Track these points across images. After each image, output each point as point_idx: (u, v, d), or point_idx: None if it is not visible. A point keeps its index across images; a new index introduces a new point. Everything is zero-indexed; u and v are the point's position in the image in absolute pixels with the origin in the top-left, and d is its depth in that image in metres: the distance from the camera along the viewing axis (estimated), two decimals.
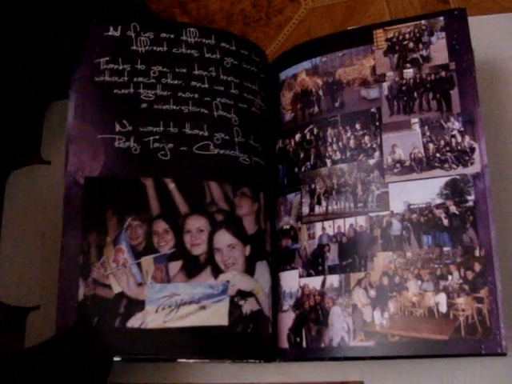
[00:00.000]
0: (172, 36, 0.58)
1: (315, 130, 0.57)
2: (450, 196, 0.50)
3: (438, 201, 0.50)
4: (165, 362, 0.56)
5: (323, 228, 0.54)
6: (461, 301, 0.47)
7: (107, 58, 0.57)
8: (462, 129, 0.51)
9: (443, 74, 0.53)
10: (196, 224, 0.54)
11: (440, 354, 0.48)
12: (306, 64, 0.59)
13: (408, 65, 0.55)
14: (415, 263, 0.49)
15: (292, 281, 0.55)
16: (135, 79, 0.57)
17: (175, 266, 0.53)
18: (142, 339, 0.51)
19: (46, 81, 0.63)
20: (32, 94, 0.63)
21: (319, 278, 0.53)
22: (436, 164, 0.51)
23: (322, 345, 0.51)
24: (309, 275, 0.54)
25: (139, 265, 0.53)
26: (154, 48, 0.58)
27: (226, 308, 0.52)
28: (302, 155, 0.57)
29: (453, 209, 0.49)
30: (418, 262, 0.49)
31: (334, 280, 0.52)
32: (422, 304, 0.48)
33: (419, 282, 0.49)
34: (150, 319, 0.51)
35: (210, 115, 0.57)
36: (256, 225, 0.56)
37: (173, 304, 0.52)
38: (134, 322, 0.51)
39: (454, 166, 0.50)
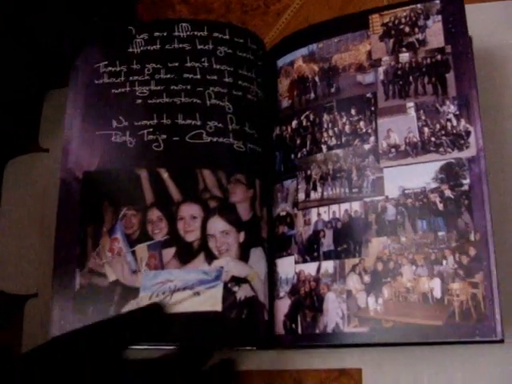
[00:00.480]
0: (165, 34, 0.60)
1: (311, 116, 0.56)
2: (445, 180, 0.49)
3: (433, 185, 0.49)
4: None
5: (318, 214, 0.54)
6: (455, 286, 0.47)
7: (106, 62, 0.60)
8: (458, 112, 0.50)
9: (439, 57, 0.52)
10: (189, 211, 0.54)
11: (434, 341, 0.47)
12: (303, 51, 0.59)
13: (404, 49, 0.54)
14: (409, 248, 0.49)
15: (288, 267, 0.54)
16: (131, 78, 0.59)
17: (169, 253, 0.53)
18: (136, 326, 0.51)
19: (44, 69, 0.64)
20: (30, 83, 0.64)
21: (314, 264, 0.53)
22: (431, 148, 0.50)
23: (317, 331, 0.51)
24: (304, 261, 0.53)
25: (134, 253, 0.54)
26: (149, 47, 0.60)
27: (219, 294, 0.52)
28: (298, 141, 0.57)
29: (448, 193, 0.49)
30: (413, 247, 0.49)
31: (328, 266, 0.52)
32: (417, 289, 0.48)
33: (414, 268, 0.48)
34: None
35: (202, 104, 0.58)
36: (251, 211, 0.56)
37: (166, 290, 0.52)
38: (128, 309, 0.52)
39: (450, 149, 0.50)
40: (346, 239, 0.52)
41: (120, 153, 0.57)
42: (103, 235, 0.55)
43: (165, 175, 0.56)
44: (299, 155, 0.56)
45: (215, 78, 0.58)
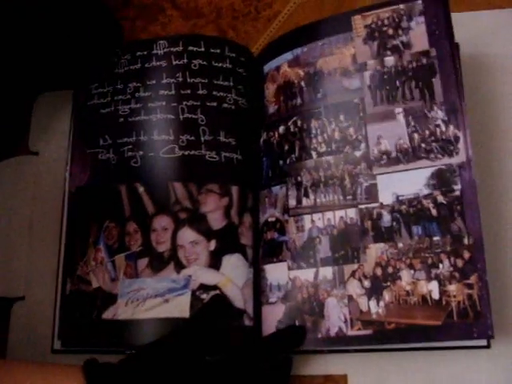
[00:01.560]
0: (145, 53, 0.61)
1: (299, 122, 0.57)
2: (437, 186, 0.51)
3: (426, 191, 0.51)
4: None
5: (312, 221, 0.55)
6: (452, 288, 0.49)
7: (96, 84, 0.63)
8: (446, 118, 0.52)
9: (424, 61, 0.53)
10: (161, 223, 0.58)
11: (436, 347, 0.51)
12: (288, 55, 0.58)
13: (388, 52, 0.55)
14: (407, 253, 0.51)
15: (280, 273, 0.55)
16: (115, 98, 0.61)
17: (143, 263, 0.57)
18: (113, 330, 0.56)
19: (36, 71, 0.63)
20: (21, 85, 0.64)
21: (311, 271, 0.54)
22: (422, 154, 0.52)
23: (319, 335, 0.53)
24: (299, 268, 0.55)
25: (113, 262, 0.58)
26: (131, 67, 0.61)
27: (187, 301, 0.55)
28: (286, 147, 0.57)
29: (440, 199, 0.51)
30: (410, 252, 0.51)
31: (327, 272, 0.53)
32: (416, 292, 0.50)
33: (412, 272, 0.51)
34: (120, 311, 0.56)
35: (176, 120, 0.59)
36: (224, 219, 0.57)
37: (140, 297, 0.56)
38: (107, 314, 0.57)
39: (440, 155, 0.51)
40: (344, 246, 0.53)
41: (105, 169, 0.60)
42: (89, 246, 0.58)
43: (140, 189, 0.59)
44: (288, 161, 0.57)
45: (188, 92, 0.60)
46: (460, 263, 0.50)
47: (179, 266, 0.56)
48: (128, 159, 0.59)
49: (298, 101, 0.57)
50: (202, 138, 0.59)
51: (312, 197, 0.55)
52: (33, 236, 0.63)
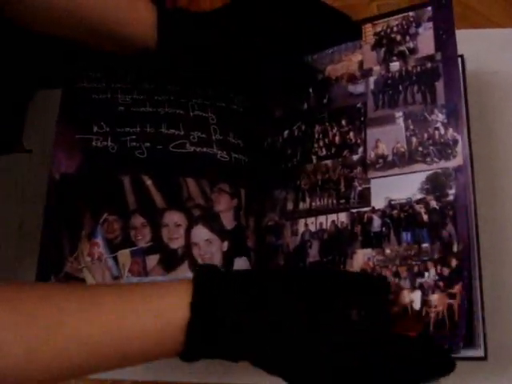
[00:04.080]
0: None
1: (303, 127, 0.56)
2: (430, 191, 0.48)
3: (419, 196, 0.48)
4: None
5: (306, 224, 0.53)
6: (434, 297, 0.45)
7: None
8: (446, 121, 0.49)
9: (429, 65, 0.51)
10: (173, 219, 0.55)
11: None
12: None
13: (394, 58, 0.53)
14: (393, 260, 0.47)
15: None
16: (113, 85, 0.59)
17: (153, 260, 0.54)
18: None
19: (32, 69, 0.63)
20: (16, 83, 0.62)
21: None
22: (418, 158, 0.49)
23: None
24: None
25: (115, 258, 0.54)
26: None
27: None
28: (289, 151, 0.57)
29: (433, 204, 0.47)
30: (397, 260, 0.47)
31: None
32: (398, 302, 0.46)
33: (396, 280, 0.47)
34: None
35: (186, 115, 0.58)
36: (234, 221, 0.56)
37: None
38: None
39: (436, 159, 0.48)
40: (332, 250, 0.51)
41: (101, 157, 0.57)
42: (82, 239, 0.54)
43: (148, 182, 0.56)
44: (289, 165, 0.56)
45: (198, 90, 0.59)
46: (446, 272, 0.45)
47: (194, 265, 0.54)
48: (132, 149, 0.57)
49: (304, 106, 0.57)
50: (214, 137, 0.58)
51: (308, 200, 0.54)
52: (22, 236, 0.61)
